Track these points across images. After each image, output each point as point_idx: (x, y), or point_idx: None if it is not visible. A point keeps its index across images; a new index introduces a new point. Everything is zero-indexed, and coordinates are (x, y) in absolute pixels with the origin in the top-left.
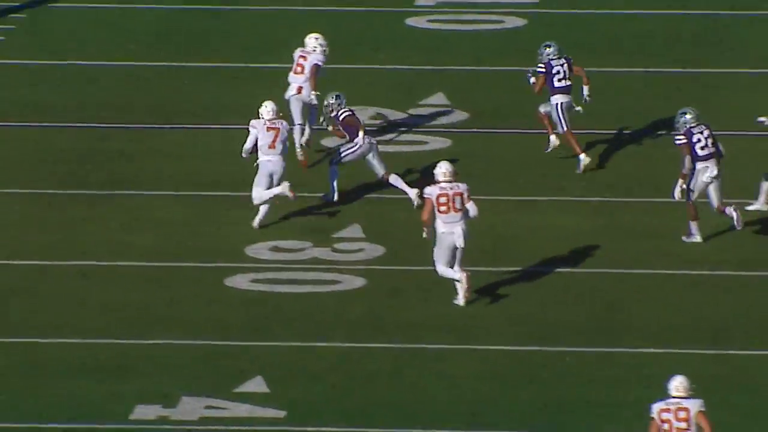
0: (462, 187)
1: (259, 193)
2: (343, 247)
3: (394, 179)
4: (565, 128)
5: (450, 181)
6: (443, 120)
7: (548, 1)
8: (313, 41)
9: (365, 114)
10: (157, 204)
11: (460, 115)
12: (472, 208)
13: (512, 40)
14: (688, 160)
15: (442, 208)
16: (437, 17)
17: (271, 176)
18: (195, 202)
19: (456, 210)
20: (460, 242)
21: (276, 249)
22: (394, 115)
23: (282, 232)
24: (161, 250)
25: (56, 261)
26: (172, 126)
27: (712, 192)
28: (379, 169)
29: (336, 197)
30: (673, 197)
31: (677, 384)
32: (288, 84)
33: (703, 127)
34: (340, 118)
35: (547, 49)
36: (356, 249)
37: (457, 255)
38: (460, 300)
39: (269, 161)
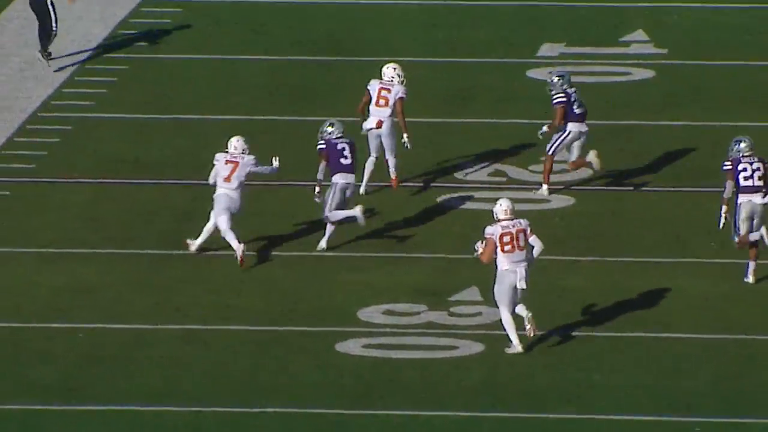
0: (524, 223)
1: (224, 224)
2: (459, 310)
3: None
4: (550, 153)
5: (511, 219)
6: (566, 177)
7: (677, 52)
8: (391, 71)
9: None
10: (263, 264)
11: (584, 172)
12: (536, 243)
13: (639, 92)
14: (729, 186)
15: (507, 247)
16: (560, 68)
17: (229, 209)
18: (303, 263)
19: (520, 248)
20: (521, 284)
21: (389, 312)
22: (516, 171)
23: (396, 295)
24: (268, 313)
25: (157, 324)
26: (279, 183)
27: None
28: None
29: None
30: (719, 227)
31: None
32: (366, 116)
33: (755, 159)
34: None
35: (560, 79)
36: (474, 313)
37: (518, 295)
38: (529, 332)
39: (226, 194)
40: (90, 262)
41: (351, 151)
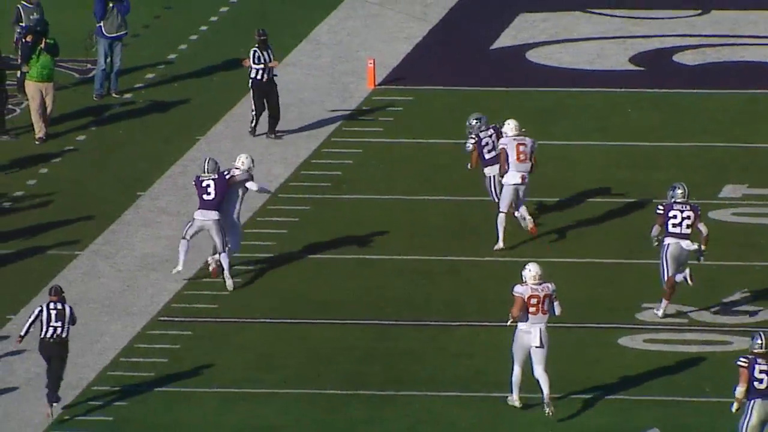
0: (550, 288)
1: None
2: None
3: (224, 261)
4: (497, 199)
5: (539, 283)
6: (747, 319)
7: None
8: (515, 123)
9: None
10: (442, 405)
11: (766, 314)
12: (557, 307)
13: None
14: (656, 229)
15: (532, 309)
16: (743, 209)
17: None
18: (483, 404)
19: (544, 312)
20: (535, 342)
21: None
22: (696, 313)
23: None
24: None
25: None
26: (459, 323)
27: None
28: (219, 246)
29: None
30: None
31: None
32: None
33: (687, 207)
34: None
35: (477, 122)
36: None
37: (538, 356)
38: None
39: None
40: (270, 403)
41: (216, 187)
